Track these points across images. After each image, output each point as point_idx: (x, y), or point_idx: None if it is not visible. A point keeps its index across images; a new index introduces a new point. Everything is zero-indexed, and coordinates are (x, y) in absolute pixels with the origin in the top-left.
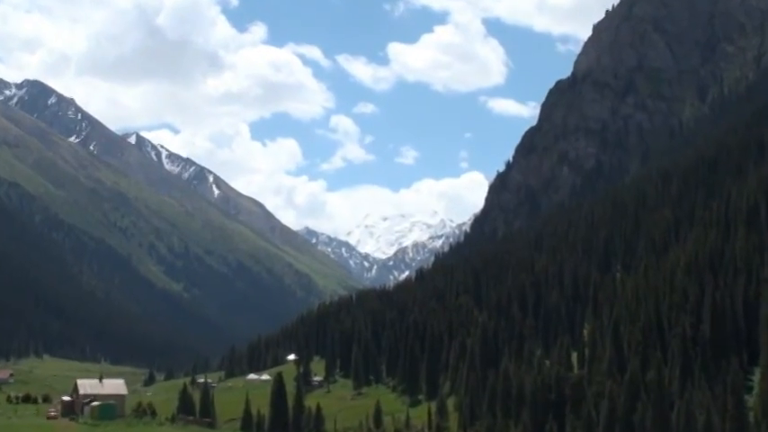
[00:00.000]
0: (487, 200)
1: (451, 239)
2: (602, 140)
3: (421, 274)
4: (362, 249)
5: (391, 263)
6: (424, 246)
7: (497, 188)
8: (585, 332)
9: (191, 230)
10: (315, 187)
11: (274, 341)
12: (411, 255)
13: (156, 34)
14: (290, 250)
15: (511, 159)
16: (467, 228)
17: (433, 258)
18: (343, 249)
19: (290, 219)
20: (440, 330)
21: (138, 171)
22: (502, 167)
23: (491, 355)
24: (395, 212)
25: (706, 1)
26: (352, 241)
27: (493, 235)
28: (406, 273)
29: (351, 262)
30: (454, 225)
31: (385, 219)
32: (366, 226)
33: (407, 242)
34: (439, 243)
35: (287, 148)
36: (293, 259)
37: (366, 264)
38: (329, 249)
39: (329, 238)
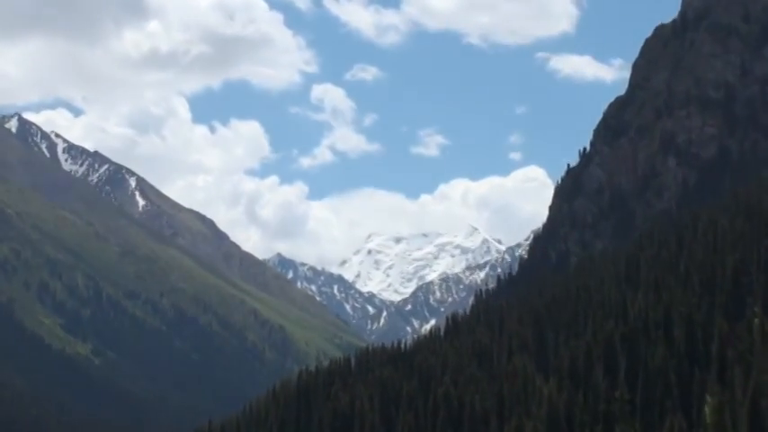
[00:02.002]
0: (553, 210)
1: (500, 270)
2: (728, 116)
3: (454, 324)
4: (364, 287)
5: (409, 307)
6: (457, 280)
7: (568, 191)
8: (707, 409)
9: (102, 262)
10: (290, 194)
11: (233, 428)
12: (438, 294)
13: None
14: (254, 290)
15: (588, 147)
16: (522, 252)
17: (471, 299)
18: (336, 287)
19: (255, 242)
20: (484, 409)
21: (22, 172)
22: (574, 160)
23: None
24: (413, 231)
25: None
26: (348, 275)
27: (562, 262)
28: (432, 322)
29: (347, 306)
30: (503, 249)
31: (398, 240)
32: (369, 252)
33: (432, 275)
34: (480, 276)
35: (247, 136)
36: (259, 304)
37: (371, 309)
38: (314, 288)
39: (314, 270)
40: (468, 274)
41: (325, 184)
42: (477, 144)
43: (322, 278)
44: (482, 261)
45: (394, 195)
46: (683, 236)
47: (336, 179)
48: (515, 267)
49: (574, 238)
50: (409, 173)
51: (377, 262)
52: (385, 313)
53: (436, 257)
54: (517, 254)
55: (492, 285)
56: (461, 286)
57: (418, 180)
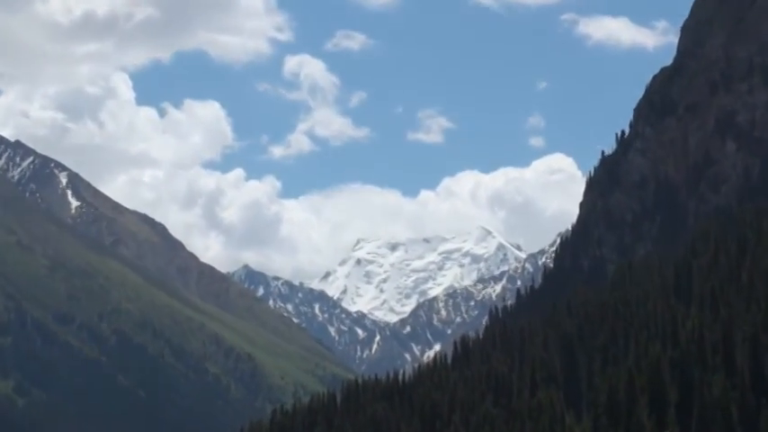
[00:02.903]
0: (584, 207)
1: (519, 283)
2: None
3: (464, 350)
4: (352, 305)
5: (407, 329)
6: (467, 296)
7: (603, 185)
8: None
9: (27, 279)
10: (259, 191)
11: None
12: (444, 314)
13: None
14: (215, 311)
15: (627, 130)
16: (547, 260)
17: (485, 319)
18: (317, 306)
19: (216, 251)
20: None
21: None
22: (609, 146)
23: None
24: (412, 235)
25: None
26: (332, 291)
27: (597, 272)
28: (436, 347)
29: (331, 329)
30: (523, 256)
31: (394, 247)
32: (359, 262)
33: (436, 290)
34: (496, 290)
35: (205, 120)
36: (222, 328)
37: (360, 332)
38: (290, 307)
39: (289, 285)
40: (480, 287)
41: (302, 178)
42: (489, 128)
43: (300, 295)
44: (497, 272)
45: (388, 192)
46: (746, 238)
47: (316, 173)
48: (538, 279)
49: (610, 241)
50: (406, 164)
51: (368, 274)
52: (378, 337)
53: (441, 268)
54: (541, 262)
55: (510, 301)
56: (472, 303)
57: (417, 173)
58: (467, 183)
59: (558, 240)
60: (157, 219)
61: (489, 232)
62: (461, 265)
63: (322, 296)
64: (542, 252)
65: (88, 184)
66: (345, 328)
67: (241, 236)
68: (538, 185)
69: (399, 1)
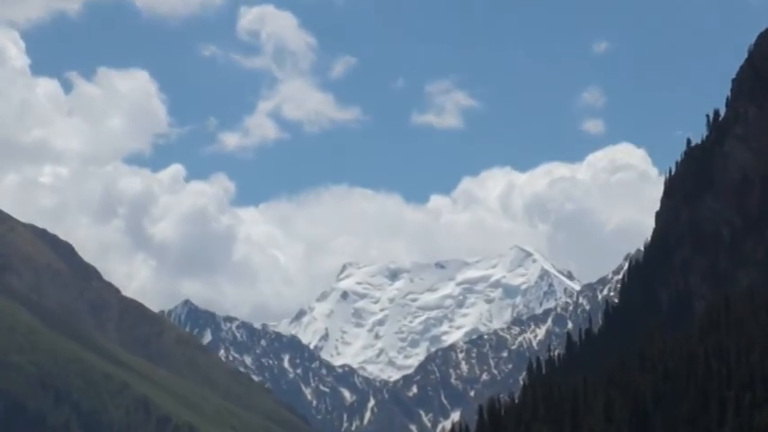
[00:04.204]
0: (663, 219)
1: (571, 324)
2: None
3: (493, 420)
4: (336, 357)
5: (413, 390)
6: (498, 343)
7: (688, 187)
8: None
9: None
10: (204, 196)
11: None
12: (466, 368)
13: None
14: (144, 364)
15: (722, 110)
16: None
17: (523, 376)
18: (287, 359)
19: (145, 281)
20: None
21: None
22: (697, 132)
23: None
24: (419, 258)
25: None
26: (307, 337)
27: (679, 312)
28: (454, 416)
29: (306, 391)
30: (576, 288)
31: (394, 275)
32: (345, 296)
33: (455, 335)
34: (538, 335)
35: (129, 96)
36: (152, 388)
37: (347, 394)
38: (248, 360)
39: (247, 329)
40: (515, 331)
41: (265, 179)
42: (526, 108)
43: (263, 343)
44: (540, 310)
45: (386, 198)
46: None
47: (285, 171)
48: (598, 320)
49: (700, 267)
50: (411, 159)
51: (358, 314)
52: (372, 402)
53: (461, 305)
54: (601, 297)
55: (558, 350)
56: (505, 354)
57: (427, 171)
58: (495, 185)
59: (626, 266)
60: (61, 236)
61: (528, 254)
62: (489, 301)
63: (294, 344)
64: (603, 282)
65: None
66: (327, 389)
67: (180, 259)
68: (595, 188)
69: None
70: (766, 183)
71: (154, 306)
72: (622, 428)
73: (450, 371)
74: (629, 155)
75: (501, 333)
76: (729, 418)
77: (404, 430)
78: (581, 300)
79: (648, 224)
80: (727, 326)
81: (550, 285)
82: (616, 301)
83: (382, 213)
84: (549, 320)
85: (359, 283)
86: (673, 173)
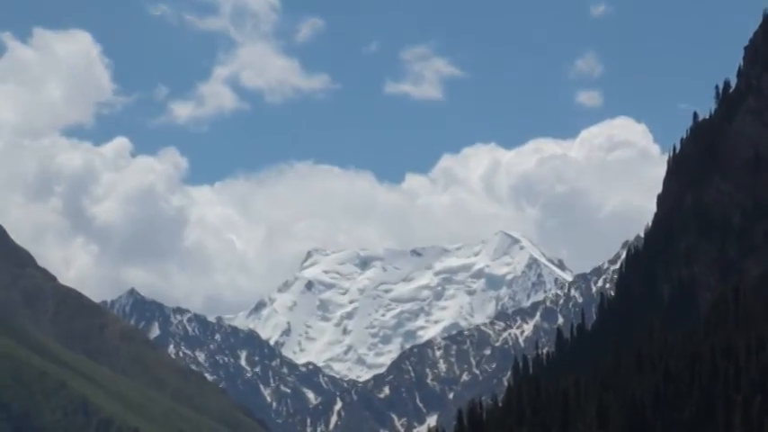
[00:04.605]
0: (665, 202)
1: (561, 320)
2: None
3: (475, 425)
4: (299, 354)
5: (386, 392)
6: (481, 340)
7: (694, 167)
8: None
9: None
10: (152, 173)
11: None
12: (444, 367)
13: None
14: (83, 361)
15: (732, 81)
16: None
17: (507, 376)
18: (244, 356)
19: (84, 268)
20: None
21: None
22: (704, 106)
23: None
24: (393, 244)
25: None
26: (267, 331)
27: (683, 305)
28: (431, 420)
29: (265, 391)
30: (568, 279)
31: (365, 263)
32: (309, 285)
33: (432, 331)
34: (525, 331)
35: (67, 60)
36: (93, 388)
37: (311, 395)
38: (201, 356)
39: (200, 322)
40: (500, 327)
41: (220, 154)
42: (513, 77)
43: (217, 338)
44: (527, 302)
45: (356, 176)
46: None
47: (243, 145)
48: (591, 314)
49: (707, 255)
50: (384, 133)
51: (324, 306)
52: (339, 404)
53: (439, 296)
54: (595, 288)
55: (547, 348)
56: (488, 351)
57: (402, 147)
58: (478, 164)
59: (624, 255)
60: None
61: (515, 241)
62: (471, 292)
63: (252, 339)
64: (598, 272)
65: None
66: (288, 390)
67: (124, 244)
68: (590, 168)
69: None
70: None
71: (95, 296)
72: None
73: (427, 370)
74: (628, 130)
75: (483, 328)
76: (737, 425)
77: None
78: (573, 292)
79: (649, 208)
80: (736, 321)
81: (539, 276)
82: (612, 293)
83: (352, 194)
84: (538, 315)
85: (325, 272)
86: (677, 151)
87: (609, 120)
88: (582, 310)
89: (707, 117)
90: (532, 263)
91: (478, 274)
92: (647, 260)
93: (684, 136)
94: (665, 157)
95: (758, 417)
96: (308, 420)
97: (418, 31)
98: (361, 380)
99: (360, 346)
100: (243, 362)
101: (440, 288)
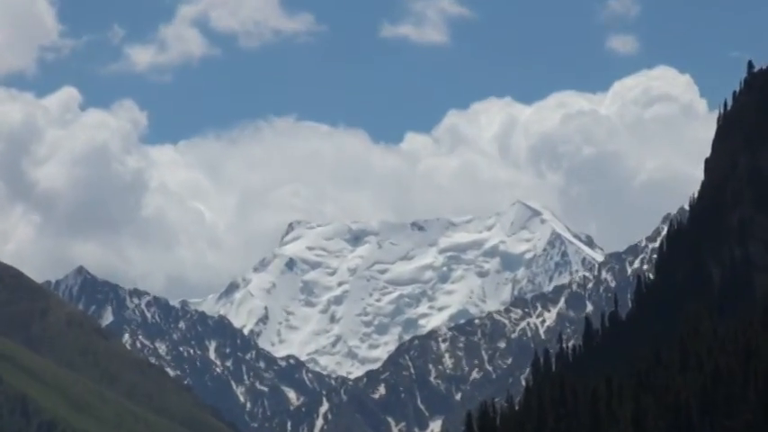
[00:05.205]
0: (714, 167)
1: (590, 306)
2: None
3: (488, 430)
4: (279, 346)
5: (381, 391)
6: (494, 330)
7: (749, 126)
8: None
9: None
10: (105, 128)
11: None
12: (450, 362)
13: None
14: (22, 352)
15: None
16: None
17: (527, 374)
18: (213, 346)
19: (24, 241)
20: None
21: None
22: (763, 53)
23: None
24: (390, 216)
25: None
26: (240, 318)
27: (734, 288)
28: (434, 425)
29: (238, 389)
30: (598, 258)
31: (356, 238)
32: (291, 265)
33: (436, 319)
34: (547, 320)
35: None
36: (33, 383)
37: (292, 395)
38: (162, 348)
39: (161, 306)
40: (517, 315)
41: (185, 108)
42: (534, 20)
43: (182, 326)
44: (550, 286)
45: (346, 135)
46: None
47: (213, 97)
48: (626, 300)
49: (764, 231)
50: (381, 84)
51: (308, 288)
52: (326, 405)
53: (444, 278)
54: (631, 269)
55: (573, 340)
56: (503, 343)
57: (400, 102)
58: (491, 121)
59: (665, 230)
60: None
61: (535, 213)
62: (482, 274)
63: (222, 328)
64: (634, 251)
65: None
66: (265, 388)
67: (71, 214)
68: (623, 127)
69: None
70: None
71: (37, 275)
72: None
73: (430, 366)
74: (670, 83)
75: (497, 317)
76: None
77: None
78: (604, 274)
79: (695, 175)
80: None
81: (564, 254)
82: (651, 276)
83: (341, 156)
84: (562, 301)
85: (310, 249)
86: (728, 107)
87: (646, 70)
88: (615, 295)
89: (765, 67)
90: (555, 239)
91: (492, 253)
92: (692, 237)
93: (737, 89)
94: (714, 115)
95: None
96: (289, 424)
97: None
98: (351, 377)
99: (350, 337)
100: (211, 354)
101: (445, 268)
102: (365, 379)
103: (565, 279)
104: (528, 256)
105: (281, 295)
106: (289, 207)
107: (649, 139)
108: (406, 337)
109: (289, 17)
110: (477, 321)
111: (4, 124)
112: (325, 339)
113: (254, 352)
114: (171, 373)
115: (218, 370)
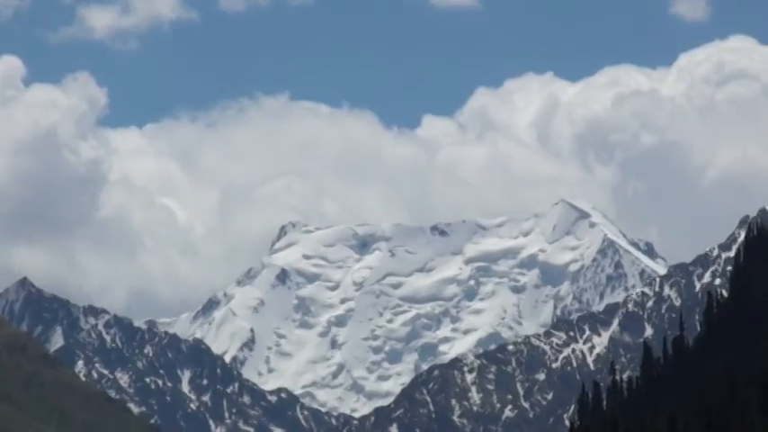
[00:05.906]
0: None
1: (650, 330)
2: None
3: None
4: (267, 377)
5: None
6: (531, 358)
7: None
8: None
9: None
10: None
11: None
12: (477, 397)
13: None
14: None
15: None
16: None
17: (572, 411)
18: (186, 377)
19: None
20: None
21: None
22: None
23: None
24: (404, 218)
25: None
26: (221, 343)
27: None
28: None
29: (217, 429)
30: (660, 271)
31: (363, 244)
32: (283, 277)
33: (460, 345)
34: (596, 346)
35: None
36: None
37: None
38: (123, 378)
39: (124, 328)
40: (560, 340)
41: (153, 83)
42: None
43: (148, 350)
44: (600, 305)
45: (351, 117)
46: None
47: (187, 71)
48: (694, 322)
49: None
50: (394, 57)
51: (303, 306)
52: None
53: (472, 295)
54: (700, 285)
55: (629, 372)
56: (542, 375)
57: (419, 77)
58: (528, 102)
59: (741, 236)
60: None
61: (582, 214)
62: (518, 289)
63: (198, 354)
64: (703, 262)
65: None
66: (250, 429)
67: (13, 213)
68: (691, 110)
69: None
70: None
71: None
72: None
73: (453, 402)
74: (747, 56)
75: (535, 342)
76: None
77: None
78: (667, 290)
79: None
80: None
81: (617, 266)
82: (724, 292)
83: (346, 144)
84: (615, 323)
85: (306, 257)
86: None
87: (718, 41)
88: (680, 316)
89: None
90: (607, 247)
91: (529, 263)
92: None
93: None
94: None
95: None
96: None
97: None
98: (356, 415)
99: (356, 366)
100: (185, 386)
101: (473, 282)
102: (373, 418)
103: (619, 296)
104: (573, 267)
105: (270, 314)
106: (280, 206)
107: (722, 125)
108: (424, 367)
109: None
110: (510, 347)
111: None
112: (325, 369)
113: (236, 384)
114: (135, 409)
115: (192, 406)
